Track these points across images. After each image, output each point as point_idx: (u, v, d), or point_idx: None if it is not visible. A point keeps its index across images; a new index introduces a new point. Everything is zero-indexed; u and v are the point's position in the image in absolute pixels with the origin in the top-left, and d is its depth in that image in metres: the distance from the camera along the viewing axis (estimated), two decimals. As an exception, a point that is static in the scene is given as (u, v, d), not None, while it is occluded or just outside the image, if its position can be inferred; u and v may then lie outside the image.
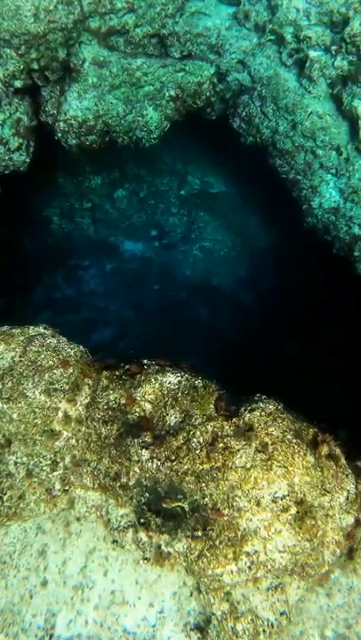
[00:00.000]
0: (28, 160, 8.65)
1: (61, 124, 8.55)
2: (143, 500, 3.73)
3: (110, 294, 12.01)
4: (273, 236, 12.78)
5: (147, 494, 3.71)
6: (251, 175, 11.47)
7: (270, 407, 3.62)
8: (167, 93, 8.81)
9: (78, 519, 4.41)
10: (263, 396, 3.72)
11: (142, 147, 8.93)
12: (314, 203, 9.15)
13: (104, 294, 12.02)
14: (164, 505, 3.64)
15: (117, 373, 4.08)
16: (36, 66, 8.08)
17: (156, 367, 3.85)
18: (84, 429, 4.15)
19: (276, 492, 3.44)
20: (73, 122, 8.48)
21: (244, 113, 9.17)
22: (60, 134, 8.68)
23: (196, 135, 10.95)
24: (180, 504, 3.60)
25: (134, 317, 11.86)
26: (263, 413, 3.53)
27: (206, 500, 3.51)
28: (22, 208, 11.54)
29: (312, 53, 8.46)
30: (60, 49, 8.07)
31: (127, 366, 4.06)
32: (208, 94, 8.96)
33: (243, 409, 3.62)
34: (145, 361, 3.96)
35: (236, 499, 3.46)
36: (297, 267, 11.93)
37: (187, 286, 12.29)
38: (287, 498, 3.45)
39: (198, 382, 3.70)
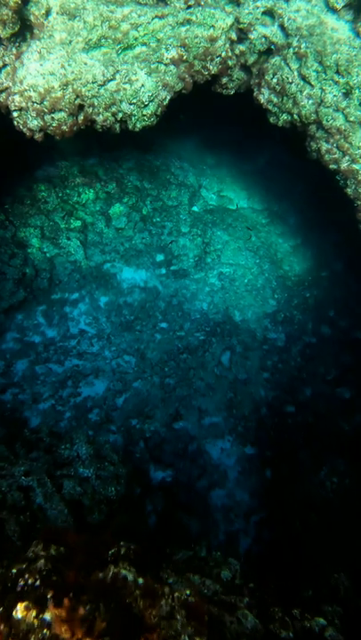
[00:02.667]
0: (-28, 151, 6.14)
1: (17, 97, 6.03)
2: None
3: (105, 336, 9.42)
4: (312, 257, 9.98)
5: None
6: (283, 173, 8.79)
7: None
8: (166, 54, 6.26)
9: None
10: None
11: (133, 129, 6.34)
12: (380, 201, 6.45)
13: (97, 336, 9.43)
14: None
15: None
16: (-24, 14, 5.63)
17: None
18: None
19: None
20: (32, 93, 5.96)
21: (275, 80, 6.55)
22: (15, 114, 6.15)
23: (208, 121, 8.37)
24: None
25: (135, 366, 9.18)
26: None
27: None
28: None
29: (373, -15, 5.88)
30: (10, -11, 5.62)
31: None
32: (224, 54, 6.38)
33: None
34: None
35: None
36: (349, 295, 9.06)
37: (202, 324, 9.58)
38: None
39: None
